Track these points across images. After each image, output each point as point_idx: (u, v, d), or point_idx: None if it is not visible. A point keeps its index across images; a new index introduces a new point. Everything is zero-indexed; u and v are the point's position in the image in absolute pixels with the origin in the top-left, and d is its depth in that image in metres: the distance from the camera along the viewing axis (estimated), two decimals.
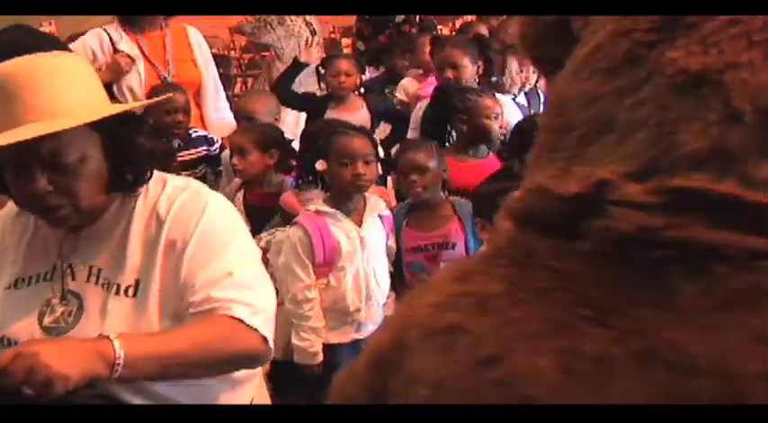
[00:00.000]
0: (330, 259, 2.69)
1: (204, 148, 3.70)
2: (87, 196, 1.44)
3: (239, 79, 8.71)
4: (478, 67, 3.93)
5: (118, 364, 1.25)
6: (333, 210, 2.72)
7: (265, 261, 2.78)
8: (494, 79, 4.19)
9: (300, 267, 2.67)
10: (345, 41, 8.22)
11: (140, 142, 1.51)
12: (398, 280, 2.93)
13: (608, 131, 0.59)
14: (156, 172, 1.56)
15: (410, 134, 3.81)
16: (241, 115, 3.75)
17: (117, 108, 1.49)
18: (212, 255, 1.45)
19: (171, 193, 1.52)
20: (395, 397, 0.61)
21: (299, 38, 5.43)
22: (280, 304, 2.81)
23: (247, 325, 1.39)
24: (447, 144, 3.45)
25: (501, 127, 3.33)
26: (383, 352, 0.65)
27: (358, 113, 4.18)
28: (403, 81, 4.70)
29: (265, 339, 1.42)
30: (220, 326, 1.39)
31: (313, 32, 5.45)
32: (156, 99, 1.46)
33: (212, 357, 1.38)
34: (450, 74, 3.80)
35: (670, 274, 0.54)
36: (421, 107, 3.83)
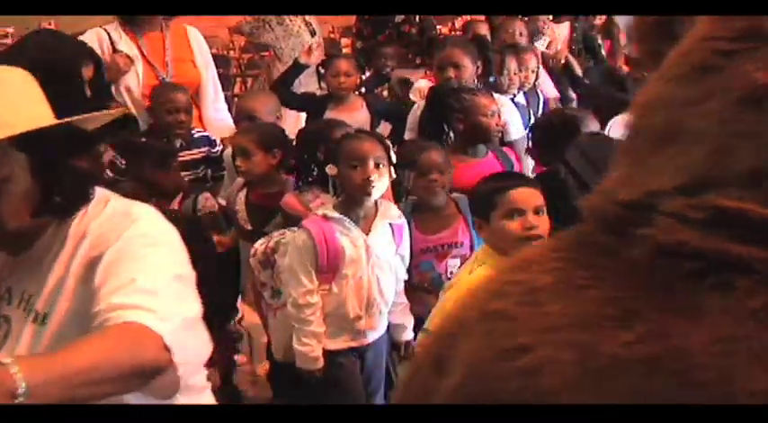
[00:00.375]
0: (333, 266, 2.66)
1: (206, 148, 3.69)
2: (11, 219, 1.37)
3: (239, 79, 8.71)
4: (477, 67, 3.93)
5: (19, 395, 1.09)
6: (340, 216, 2.67)
7: (273, 261, 2.77)
8: (491, 79, 4.19)
9: (303, 272, 2.64)
10: (345, 41, 8.22)
11: (73, 163, 1.42)
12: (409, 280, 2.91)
13: (671, 139, 0.59)
14: (101, 192, 1.48)
15: (407, 135, 3.80)
16: (242, 115, 3.75)
17: (35, 124, 1.37)
18: (122, 265, 1.34)
19: (107, 216, 1.43)
20: (449, 375, 0.62)
21: (298, 37, 5.43)
22: (282, 307, 2.77)
23: (151, 331, 1.24)
24: (444, 144, 3.44)
25: (498, 125, 3.33)
26: (448, 326, 0.67)
27: (358, 113, 4.18)
28: (417, 83, 4.59)
29: (168, 349, 1.24)
30: (121, 334, 1.25)
31: (312, 33, 5.45)
32: (83, 116, 1.35)
33: (117, 370, 1.21)
34: (451, 73, 3.79)
35: (698, 285, 0.55)
36: (418, 107, 3.82)
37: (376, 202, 2.74)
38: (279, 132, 3.36)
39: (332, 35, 9.44)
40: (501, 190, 2.32)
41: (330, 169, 2.71)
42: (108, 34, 3.77)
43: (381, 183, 2.67)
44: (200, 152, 3.68)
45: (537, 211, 2.28)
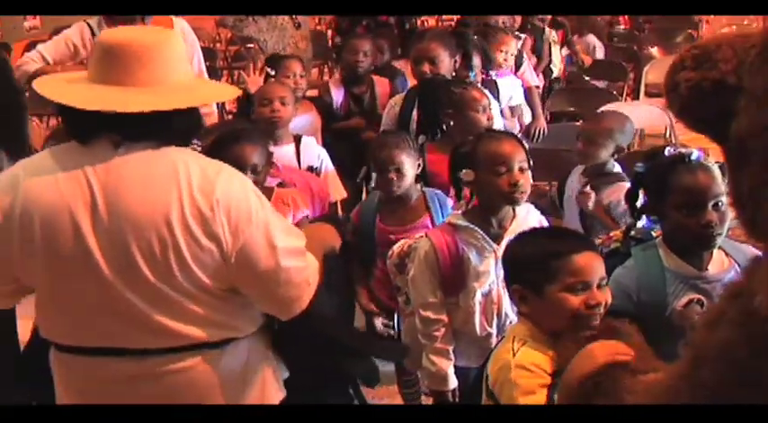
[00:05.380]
0: (458, 278, 2.44)
1: (196, 143, 3.68)
2: None
3: (225, 72, 8.69)
4: (455, 61, 3.80)
5: None
6: (468, 224, 2.43)
7: (406, 266, 2.58)
8: (471, 74, 4.10)
9: (426, 284, 2.45)
10: (332, 33, 8.20)
11: None
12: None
13: None
14: None
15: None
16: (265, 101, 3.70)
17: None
18: None
19: None
20: None
21: (282, 30, 5.41)
22: (411, 314, 2.58)
23: None
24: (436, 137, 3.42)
25: (488, 119, 3.30)
26: None
27: (307, 116, 4.07)
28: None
29: None
30: None
31: (297, 25, 5.43)
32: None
33: None
34: (426, 68, 3.65)
35: None
36: (393, 106, 3.77)
37: (514, 209, 2.47)
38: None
39: (318, 27, 9.42)
40: (561, 255, 1.80)
41: (466, 175, 2.44)
42: (90, 28, 3.76)
43: (527, 189, 2.42)
44: (193, 146, 3.67)
45: (600, 285, 1.79)
